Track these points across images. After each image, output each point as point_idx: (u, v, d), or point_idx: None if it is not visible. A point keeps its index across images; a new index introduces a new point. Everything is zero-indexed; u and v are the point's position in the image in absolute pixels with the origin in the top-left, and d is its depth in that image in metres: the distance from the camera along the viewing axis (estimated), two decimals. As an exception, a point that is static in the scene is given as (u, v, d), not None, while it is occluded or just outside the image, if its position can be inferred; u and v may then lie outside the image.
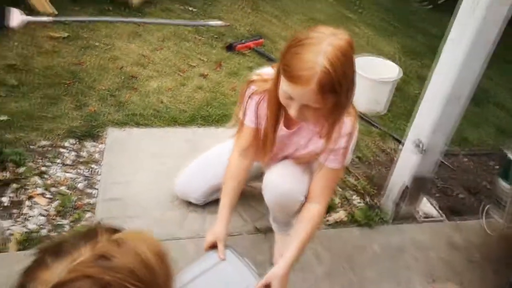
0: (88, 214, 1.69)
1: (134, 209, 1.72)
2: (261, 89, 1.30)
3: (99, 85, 2.48)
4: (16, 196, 1.75)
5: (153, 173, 1.89)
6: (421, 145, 1.64)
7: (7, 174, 1.84)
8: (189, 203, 1.73)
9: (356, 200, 1.96)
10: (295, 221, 1.58)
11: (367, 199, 1.97)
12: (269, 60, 3.01)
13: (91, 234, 0.58)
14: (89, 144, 2.05)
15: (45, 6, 3.10)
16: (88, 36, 2.98)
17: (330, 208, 1.86)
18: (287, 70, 1.11)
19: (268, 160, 1.48)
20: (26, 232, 1.59)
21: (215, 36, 3.24)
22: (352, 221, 1.82)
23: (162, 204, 1.75)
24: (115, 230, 0.61)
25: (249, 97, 1.33)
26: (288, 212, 1.47)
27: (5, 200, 1.73)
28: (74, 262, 0.52)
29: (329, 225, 1.79)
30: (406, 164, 1.73)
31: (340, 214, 1.85)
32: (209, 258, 1.36)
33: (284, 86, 1.14)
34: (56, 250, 0.55)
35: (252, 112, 1.34)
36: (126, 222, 1.66)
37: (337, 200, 1.93)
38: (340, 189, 2.00)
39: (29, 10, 3.04)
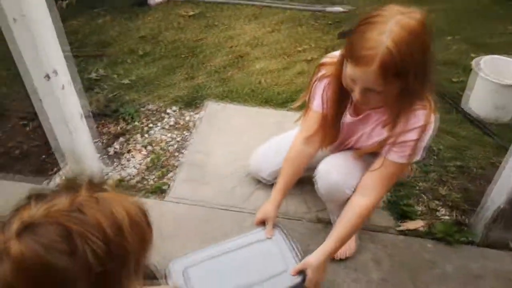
0: (170, 174, 1.88)
1: (210, 177, 1.84)
2: (330, 73, 1.26)
3: (209, 61, 2.67)
4: (120, 148, 2.04)
5: (236, 148, 1.98)
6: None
7: (117, 129, 2.15)
8: (258, 181, 1.79)
9: (441, 212, 1.76)
10: None
11: (456, 214, 1.75)
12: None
13: (76, 187, 0.63)
14: (187, 113, 2.25)
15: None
16: (212, 16, 3.21)
17: (407, 214, 1.71)
18: (350, 50, 1.06)
19: (333, 149, 1.44)
20: (118, 179, 1.84)
21: (330, 23, 3.17)
22: (429, 233, 1.65)
23: (235, 177, 1.83)
24: (100, 189, 0.66)
25: (317, 80, 1.30)
26: (336, 203, 1.41)
27: (111, 150, 2.03)
28: (51, 208, 0.59)
29: (400, 231, 1.66)
30: (507, 184, 1.48)
31: (416, 223, 1.69)
32: (256, 234, 1.40)
33: (347, 67, 1.09)
34: (42, 195, 0.62)
35: (319, 96, 1.30)
36: (199, 187, 1.80)
37: (418, 208, 1.76)
38: (425, 197, 1.82)
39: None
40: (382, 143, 1.23)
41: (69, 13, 3.06)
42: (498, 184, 1.54)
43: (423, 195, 1.83)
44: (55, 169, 1.87)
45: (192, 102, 2.31)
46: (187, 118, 2.21)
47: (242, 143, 2.01)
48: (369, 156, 1.32)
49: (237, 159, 1.91)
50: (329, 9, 3.36)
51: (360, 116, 1.28)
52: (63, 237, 0.56)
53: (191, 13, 3.23)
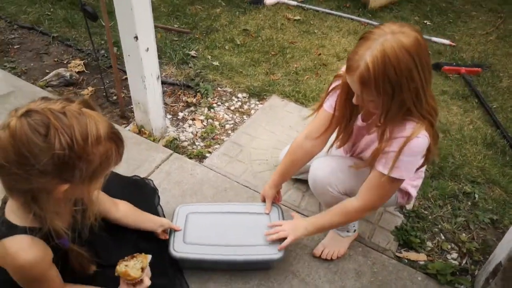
0: (216, 146, 2.16)
1: (245, 157, 2.07)
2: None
3: (293, 62, 2.88)
4: (187, 115, 2.39)
5: (279, 140, 2.17)
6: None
7: (193, 100, 2.50)
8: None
9: (452, 255, 1.71)
10: (351, 223, 1.60)
11: (466, 261, 1.69)
12: (472, 90, 2.71)
13: (72, 99, 0.92)
14: (253, 101, 2.50)
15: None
16: (314, 23, 3.41)
17: (412, 245, 1.71)
18: (347, 58, 1.19)
19: (344, 153, 1.55)
20: (173, 138, 2.18)
21: (430, 52, 3.10)
22: (424, 267, 1.63)
23: (266, 164, 2.03)
24: (90, 107, 0.92)
25: (333, 88, 1.43)
26: (324, 201, 1.51)
27: (181, 115, 2.38)
28: (47, 106, 0.87)
29: (397, 257, 1.67)
30: (509, 239, 1.41)
31: (418, 256, 1.68)
32: (257, 206, 1.60)
33: None
34: (48, 98, 0.91)
35: (332, 99, 1.43)
36: (233, 162, 2.03)
37: (428, 244, 1.74)
38: (442, 237, 1.77)
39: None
40: (374, 153, 1.30)
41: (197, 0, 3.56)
42: (504, 239, 1.46)
43: (441, 234, 1.79)
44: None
45: (261, 93, 2.55)
46: (251, 106, 2.47)
47: (287, 137, 2.19)
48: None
49: (276, 149, 2.10)
50: (435, 39, 3.29)
51: (369, 122, 1.38)
52: (43, 125, 0.85)
53: (297, 17, 3.47)
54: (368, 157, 1.37)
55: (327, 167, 1.45)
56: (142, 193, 1.57)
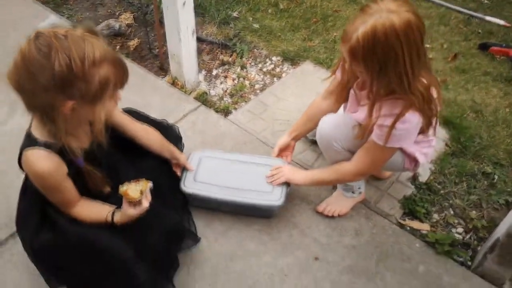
0: (243, 103, 2.26)
1: (268, 116, 2.15)
2: None
3: (333, 31, 2.87)
4: (221, 72, 2.49)
5: (304, 103, 2.21)
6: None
7: (229, 59, 2.60)
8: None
9: (457, 230, 1.72)
10: (356, 185, 1.65)
11: (470, 237, 1.69)
12: (517, 73, 2.57)
13: (77, 26, 1.04)
14: (286, 65, 2.55)
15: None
16: (362, -6, 3.33)
17: (417, 215, 1.73)
18: (345, 27, 1.24)
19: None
20: (204, 91, 2.30)
21: (479, 31, 2.96)
22: (424, 236, 1.66)
23: (287, 124, 2.09)
24: (94, 34, 1.03)
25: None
26: (327, 156, 1.59)
27: (215, 72, 2.50)
28: (52, 31, 0.99)
29: (399, 223, 1.71)
30: (510, 216, 1.40)
31: (421, 225, 1.70)
32: (268, 159, 1.71)
33: None
34: (58, 25, 1.03)
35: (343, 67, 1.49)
36: (256, 119, 2.13)
37: (435, 216, 1.75)
38: (451, 211, 1.78)
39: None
40: (364, 128, 1.36)
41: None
42: (507, 216, 1.46)
43: (450, 209, 1.79)
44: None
45: (295, 58, 2.59)
46: (284, 69, 2.52)
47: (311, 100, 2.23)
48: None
49: (299, 112, 2.15)
50: (489, 18, 3.11)
51: (363, 92, 1.42)
52: (47, 45, 0.98)
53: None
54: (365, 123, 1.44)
55: (332, 123, 1.51)
56: (168, 135, 1.71)
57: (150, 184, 1.23)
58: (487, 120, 2.22)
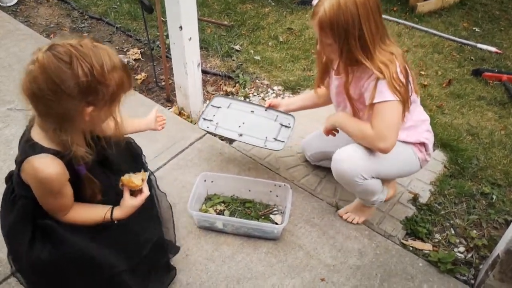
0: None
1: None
2: None
3: (331, 60, 3.00)
4: (225, 102, 2.59)
5: (304, 130, 2.31)
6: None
7: (232, 90, 2.71)
8: (305, 159, 2.10)
9: (458, 249, 1.76)
10: (374, 198, 1.68)
11: (472, 256, 1.73)
12: (511, 97, 2.67)
13: (84, 37, 1.09)
14: (287, 94, 2.66)
15: None
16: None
17: (419, 235, 1.78)
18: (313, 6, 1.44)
19: (337, 108, 1.77)
20: (209, 120, 2.39)
21: (472, 58, 3.09)
22: (427, 255, 1.70)
23: (289, 150, 2.18)
24: (100, 43, 1.09)
25: None
26: (350, 189, 1.64)
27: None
28: (66, 42, 1.04)
29: (402, 244, 1.75)
30: (509, 233, 1.45)
31: (424, 245, 1.75)
32: (276, 114, 2.03)
33: None
34: (66, 35, 1.11)
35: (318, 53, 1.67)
36: (259, 146, 2.21)
37: (436, 236, 1.80)
38: (452, 232, 1.82)
39: None
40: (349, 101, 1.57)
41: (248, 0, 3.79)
42: (506, 233, 1.51)
43: (451, 229, 1.84)
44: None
45: (295, 87, 2.70)
46: (285, 98, 2.62)
47: (312, 128, 2.31)
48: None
49: (300, 138, 2.24)
50: (480, 45, 3.25)
51: (340, 76, 1.60)
52: (67, 55, 1.03)
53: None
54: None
55: (350, 156, 1.52)
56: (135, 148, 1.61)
57: (147, 174, 1.29)
58: (483, 142, 2.29)
